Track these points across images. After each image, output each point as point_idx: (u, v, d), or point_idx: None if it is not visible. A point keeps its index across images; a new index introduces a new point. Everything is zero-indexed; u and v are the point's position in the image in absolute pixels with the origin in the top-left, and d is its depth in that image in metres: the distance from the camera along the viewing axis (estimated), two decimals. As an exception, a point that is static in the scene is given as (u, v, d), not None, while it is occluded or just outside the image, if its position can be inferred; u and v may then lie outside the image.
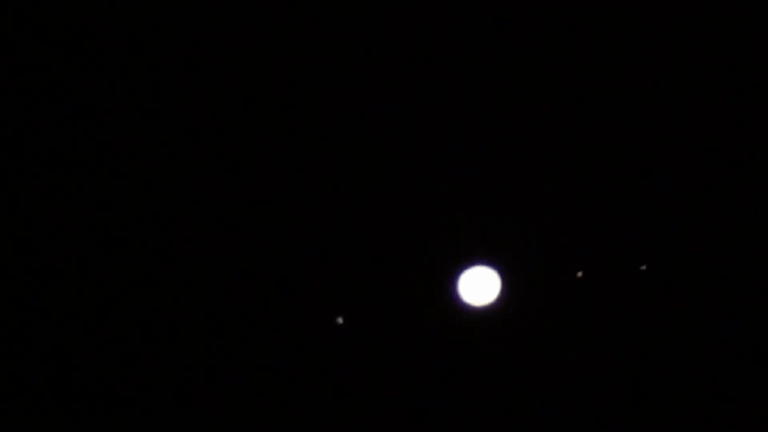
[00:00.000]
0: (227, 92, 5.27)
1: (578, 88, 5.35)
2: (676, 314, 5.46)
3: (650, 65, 5.29)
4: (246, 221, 5.44)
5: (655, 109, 5.35)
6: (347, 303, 5.52)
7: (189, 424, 5.47)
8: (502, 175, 5.44)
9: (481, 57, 5.34)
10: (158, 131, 5.32)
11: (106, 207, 5.38)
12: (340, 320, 5.51)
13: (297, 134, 5.36)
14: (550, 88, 5.35)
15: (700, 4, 5.22)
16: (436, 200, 5.46)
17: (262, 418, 5.50)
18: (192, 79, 5.26)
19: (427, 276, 5.51)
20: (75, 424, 5.39)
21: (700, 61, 5.27)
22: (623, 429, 5.46)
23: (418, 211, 5.48)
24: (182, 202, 5.41)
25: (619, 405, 5.47)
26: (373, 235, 5.49)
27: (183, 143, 5.31)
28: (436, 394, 5.50)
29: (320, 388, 5.51)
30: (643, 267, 5.44)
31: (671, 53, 5.29)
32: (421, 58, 5.33)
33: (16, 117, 5.21)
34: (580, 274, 5.47)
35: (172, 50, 5.21)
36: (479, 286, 5.47)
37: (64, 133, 5.27)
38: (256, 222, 5.45)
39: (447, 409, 5.51)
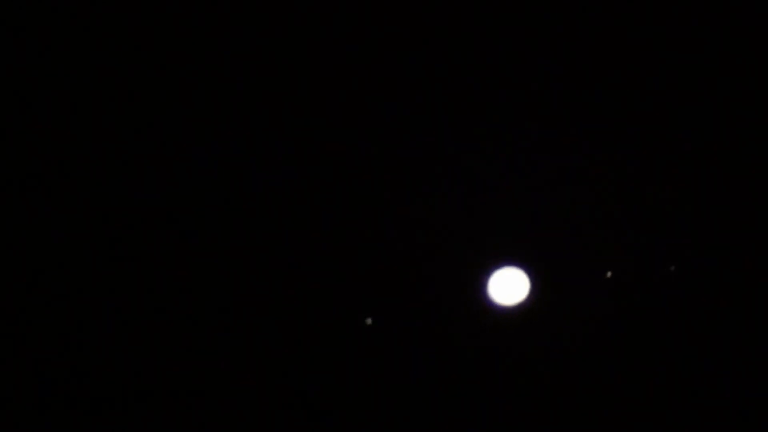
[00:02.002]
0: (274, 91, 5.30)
1: (607, 89, 5.38)
2: (705, 315, 5.49)
3: (684, 62, 5.33)
4: (279, 221, 5.44)
5: (684, 108, 5.39)
6: (377, 303, 5.53)
7: (212, 424, 5.48)
8: (531, 177, 5.47)
9: (507, 59, 5.37)
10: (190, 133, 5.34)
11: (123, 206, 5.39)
12: (369, 321, 5.52)
13: (333, 135, 5.37)
14: (580, 91, 5.38)
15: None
16: (466, 202, 5.48)
17: (291, 419, 5.50)
18: (199, 81, 5.28)
19: (458, 276, 5.52)
20: (76, 425, 5.39)
21: (732, 60, 5.32)
22: (651, 428, 5.49)
23: (448, 212, 5.49)
24: (212, 200, 5.42)
25: (646, 405, 5.50)
26: (403, 236, 5.50)
27: (231, 144, 5.34)
28: (465, 393, 5.52)
29: (350, 388, 5.51)
30: (672, 268, 5.47)
31: (701, 52, 5.33)
32: (450, 59, 5.36)
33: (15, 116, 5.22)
34: (609, 274, 5.49)
35: (171, 50, 5.23)
36: (509, 286, 5.49)
37: (64, 133, 5.27)
38: (288, 221, 5.45)
39: (476, 409, 5.52)
